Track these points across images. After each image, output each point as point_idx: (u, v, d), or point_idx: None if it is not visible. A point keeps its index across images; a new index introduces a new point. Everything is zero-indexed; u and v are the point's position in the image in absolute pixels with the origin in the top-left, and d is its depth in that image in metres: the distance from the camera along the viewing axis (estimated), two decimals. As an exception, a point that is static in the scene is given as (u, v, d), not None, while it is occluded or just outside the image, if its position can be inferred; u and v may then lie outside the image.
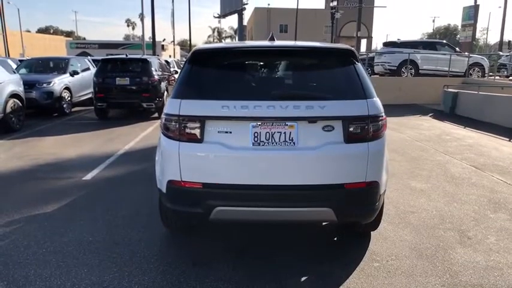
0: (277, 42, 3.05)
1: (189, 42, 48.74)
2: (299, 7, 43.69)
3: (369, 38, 44.43)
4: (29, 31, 65.60)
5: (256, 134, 2.60)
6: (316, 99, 2.60)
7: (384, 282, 2.77)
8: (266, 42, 3.04)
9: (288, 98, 2.60)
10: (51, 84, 10.30)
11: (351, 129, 2.61)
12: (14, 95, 8.29)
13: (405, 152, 6.79)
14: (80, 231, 3.56)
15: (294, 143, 2.60)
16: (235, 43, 3.08)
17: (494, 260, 3.10)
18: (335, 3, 29.22)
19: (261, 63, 2.90)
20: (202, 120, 2.61)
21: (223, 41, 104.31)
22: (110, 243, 3.33)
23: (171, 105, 2.69)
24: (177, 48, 79.63)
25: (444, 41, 17.38)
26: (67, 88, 10.90)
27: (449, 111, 11.41)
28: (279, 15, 53.02)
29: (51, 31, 77.72)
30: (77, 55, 25.60)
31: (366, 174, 2.66)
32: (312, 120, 2.58)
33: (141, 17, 33.13)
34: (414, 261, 3.05)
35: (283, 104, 2.56)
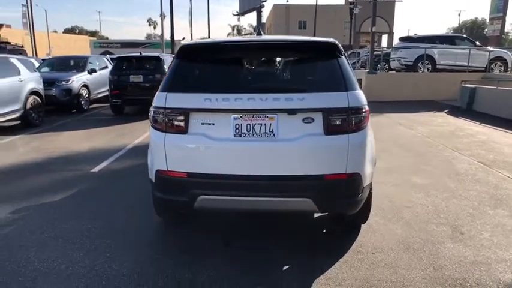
0: (261, 37, 3.11)
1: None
2: (319, 3, 43.25)
3: (390, 34, 43.51)
4: (56, 31, 67.71)
5: (237, 126, 2.68)
6: (295, 91, 2.65)
7: (366, 274, 2.79)
8: (251, 37, 3.11)
9: (268, 90, 2.67)
10: (70, 82, 10.72)
11: (331, 121, 2.65)
12: (33, 92, 8.66)
13: (412, 148, 6.70)
14: (80, 219, 3.74)
15: (274, 135, 2.67)
16: (221, 38, 3.16)
17: (483, 255, 3.06)
18: (354, -2, 28.75)
19: (244, 57, 2.97)
20: (186, 112, 2.71)
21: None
22: (107, 231, 3.48)
23: (158, 99, 2.80)
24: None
25: (464, 35, 16.88)
26: (85, 85, 11.28)
27: (466, 107, 11.12)
28: (297, 12, 52.64)
29: (77, 31, 79.95)
30: (100, 54, 26.28)
31: (346, 166, 2.69)
32: (292, 112, 2.64)
33: (161, 16, 33.66)
34: (400, 254, 3.06)
35: (263, 97, 2.63)
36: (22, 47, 25.39)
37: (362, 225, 3.49)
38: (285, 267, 2.89)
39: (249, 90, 2.67)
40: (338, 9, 49.54)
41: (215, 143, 2.69)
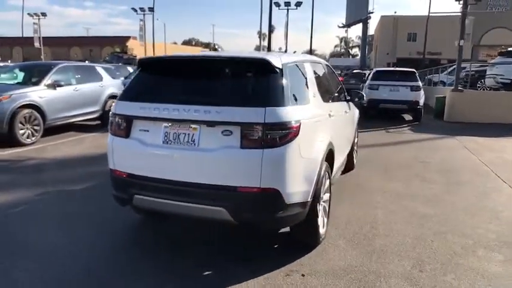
0: (200, 53, 3.32)
1: (310, 52, 49.62)
2: (432, 14, 40.01)
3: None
4: (175, 43, 75.96)
5: (166, 134, 2.93)
6: (215, 104, 2.78)
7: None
8: (190, 53, 3.34)
9: (192, 102, 2.85)
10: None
11: (246, 135, 2.71)
12: (113, 96, 10.06)
13: (455, 175, 5.99)
14: (85, 206, 4.34)
15: (195, 144, 2.84)
16: (169, 55, 3.43)
17: None
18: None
19: (182, 72, 3.18)
20: (129, 119, 3.06)
21: (350, 51, 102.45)
22: (101, 219, 3.97)
23: (114, 105, 3.21)
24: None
25: None
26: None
27: None
28: (407, 24, 49.61)
29: (193, 43, 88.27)
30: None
31: (260, 180, 2.71)
32: (210, 124, 2.78)
33: (259, 31, 35.13)
34: (335, 282, 2.90)
35: (186, 108, 2.83)
36: (135, 56, 29.20)
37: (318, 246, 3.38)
38: (207, 272, 3.01)
39: (176, 102, 2.90)
40: (455, 19, 45.27)
41: (147, 148, 2.98)
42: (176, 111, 2.85)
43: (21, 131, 7.41)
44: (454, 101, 12.36)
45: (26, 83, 8.29)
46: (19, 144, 7.31)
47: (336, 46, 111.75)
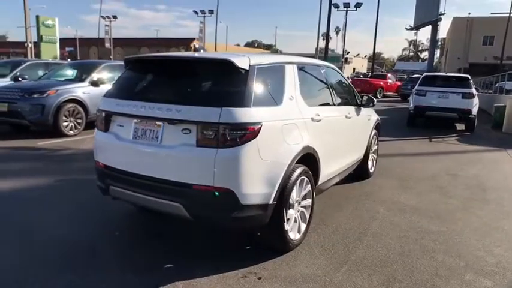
0: (173, 54, 3.40)
1: (373, 55, 47.96)
2: None
3: None
4: (238, 45, 77.86)
5: (136, 130, 3.07)
6: (176, 103, 2.85)
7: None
8: (165, 53, 3.43)
9: (157, 100, 2.95)
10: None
11: (202, 134, 2.75)
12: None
13: (482, 191, 5.46)
14: (83, 193, 4.65)
15: (158, 141, 2.94)
16: (147, 55, 3.55)
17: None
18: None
19: (157, 71, 3.29)
20: (108, 114, 3.26)
21: (419, 54, 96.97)
22: (98, 205, 4.24)
23: (100, 102, 3.43)
24: (364, 61, 78.82)
25: None
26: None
27: None
28: (482, 26, 45.92)
29: (256, 45, 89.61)
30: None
31: (213, 179, 2.74)
32: (171, 121, 2.86)
33: (318, 33, 34.69)
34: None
35: (152, 106, 2.94)
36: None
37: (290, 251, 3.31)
38: (168, 265, 3.09)
39: (145, 99, 3.02)
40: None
41: (120, 142, 3.15)
42: (143, 109, 2.97)
43: (65, 123, 8.13)
44: (514, 110, 11.21)
45: (73, 79, 9.08)
46: (62, 135, 8.03)
47: (404, 49, 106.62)
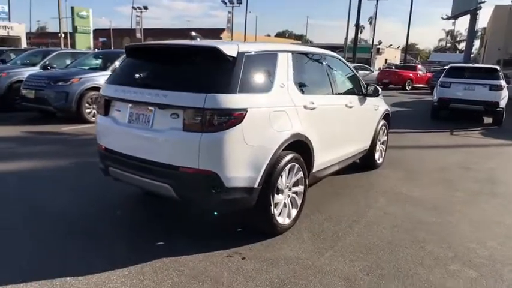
0: (169, 42, 3.52)
1: (406, 46, 46.45)
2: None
3: None
4: (268, 35, 77.27)
5: (130, 114, 3.25)
6: (167, 89, 2.99)
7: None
8: (161, 42, 3.56)
9: (149, 86, 3.12)
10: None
11: (188, 119, 2.88)
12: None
13: (493, 185, 5.31)
14: (95, 174, 4.90)
15: (149, 125, 3.10)
16: (144, 43, 3.74)
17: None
18: None
19: (151, 58, 3.44)
20: (108, 99, 3.46)
21: (457, 45, 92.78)
22: (99, 188, 4.51)
23: (101, 87, 3.64)
24: (398, 52, 76.36)
25: None
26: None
27: None
28: (527, 14, 43.10)
29: (286, 35, 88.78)
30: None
31: (198, 162, 2.87)
32: (161, 106, 3.01)
33: (347, 22, 34.01)
34: (269, 269, 2.94)
35: (144, 91, 3.10)
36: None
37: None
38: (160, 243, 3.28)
39: (139, 85, 3.19)
40: None
41: (117, 126, 3.34)
42: (135, 94, 3.15)
43: (87, 110, 8.54)
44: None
45: (97, 68, 9.47)
46: (85, 121, 8.43)
47: (441, 40, 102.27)
